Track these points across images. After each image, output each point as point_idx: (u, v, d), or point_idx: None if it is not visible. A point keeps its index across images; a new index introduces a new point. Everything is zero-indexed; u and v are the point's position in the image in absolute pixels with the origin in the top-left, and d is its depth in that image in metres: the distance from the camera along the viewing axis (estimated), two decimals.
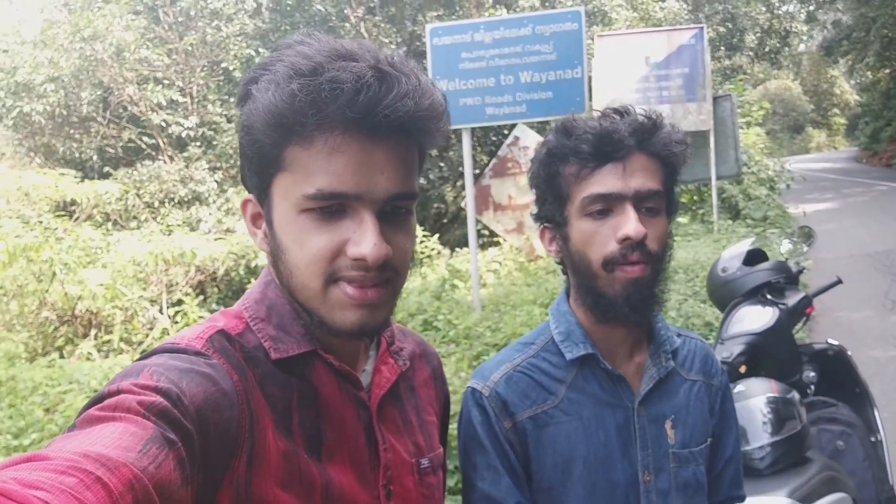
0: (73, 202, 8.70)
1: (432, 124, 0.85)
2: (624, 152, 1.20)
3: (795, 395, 2.13)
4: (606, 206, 1.21)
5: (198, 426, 0.74)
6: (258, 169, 0.88)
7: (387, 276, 0.88)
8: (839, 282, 2.76)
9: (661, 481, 1.28)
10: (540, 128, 9.93)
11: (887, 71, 27.86)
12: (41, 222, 7.63)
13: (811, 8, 29.90)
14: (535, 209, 1.36)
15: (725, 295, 2.59)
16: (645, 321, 1.28)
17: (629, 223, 1.18)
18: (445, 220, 14.12)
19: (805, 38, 38.46)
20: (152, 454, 0.64)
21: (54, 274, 6.88)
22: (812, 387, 2.49)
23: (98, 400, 0.71)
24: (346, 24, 12.94)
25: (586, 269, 1.25)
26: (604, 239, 1.21)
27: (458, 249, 9.25)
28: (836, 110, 49.81)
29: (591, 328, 1.31)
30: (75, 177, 9.20)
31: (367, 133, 0.81)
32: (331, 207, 0.84)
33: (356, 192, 0.83)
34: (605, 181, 1.21)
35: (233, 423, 0.80)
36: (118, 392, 0.71)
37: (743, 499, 1.46)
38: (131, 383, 0.72)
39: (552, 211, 1.30)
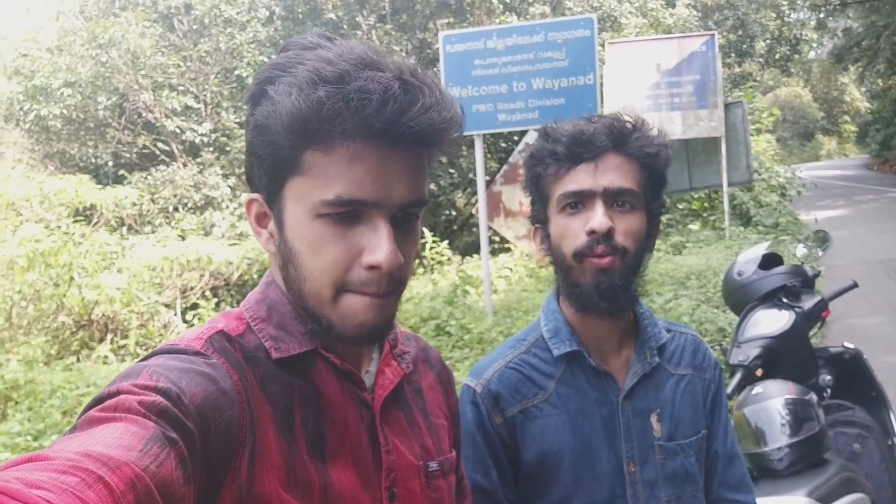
0: (92, 207, 8.78)
1: (450, 136, 0.87)
2: (596, 152, 1.28)
3: (813, 396, 2.15)
4: (578, 201, 1.29)
5: (199, 425, 0.74)
6: (270, 170, 0.87)
7: (395, 282, 0.89)
8: (855, 285, 2.74)
9: (647, 472, 1.33)
10: None
11: None
12: (60, 227, 7.70)
13: (821, 15, 29.75)
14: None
15: (741, 298, 2.60)
16: (618, 311, 1.33)
17: (595, 217, 1.26)
18: (456, 227, 14.15)
19: (815, 45, 38.29)
20: (153, 453, 0.64)
21: (72, 278, 6.94)
22: (828, 390, 2.49)
23: (98, 401, 0.71)
24: (358, 32, 13.04)
25: (562, 261, 1.33)
26: (575, 232, 1.29)
27: (468, 256, 9.26)
28: (846, 117, 49.42)
29: (578, 325, 1.37)
30: (92, 182, 9.30)
31: (387, 142, 0.82)
32: (347, 213, 0.84)
33: (374, 200, 0.84)
34: (578, 179, 1.29)
35: (233, 422, 0.80)
36: (118, 393, 0.71)
37: None
38: (131, 384, 0.72)
39: (539, 211, 1.38)
